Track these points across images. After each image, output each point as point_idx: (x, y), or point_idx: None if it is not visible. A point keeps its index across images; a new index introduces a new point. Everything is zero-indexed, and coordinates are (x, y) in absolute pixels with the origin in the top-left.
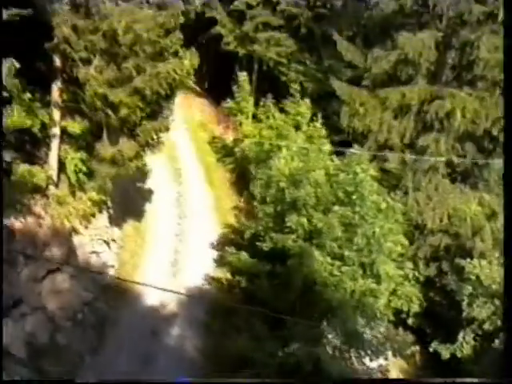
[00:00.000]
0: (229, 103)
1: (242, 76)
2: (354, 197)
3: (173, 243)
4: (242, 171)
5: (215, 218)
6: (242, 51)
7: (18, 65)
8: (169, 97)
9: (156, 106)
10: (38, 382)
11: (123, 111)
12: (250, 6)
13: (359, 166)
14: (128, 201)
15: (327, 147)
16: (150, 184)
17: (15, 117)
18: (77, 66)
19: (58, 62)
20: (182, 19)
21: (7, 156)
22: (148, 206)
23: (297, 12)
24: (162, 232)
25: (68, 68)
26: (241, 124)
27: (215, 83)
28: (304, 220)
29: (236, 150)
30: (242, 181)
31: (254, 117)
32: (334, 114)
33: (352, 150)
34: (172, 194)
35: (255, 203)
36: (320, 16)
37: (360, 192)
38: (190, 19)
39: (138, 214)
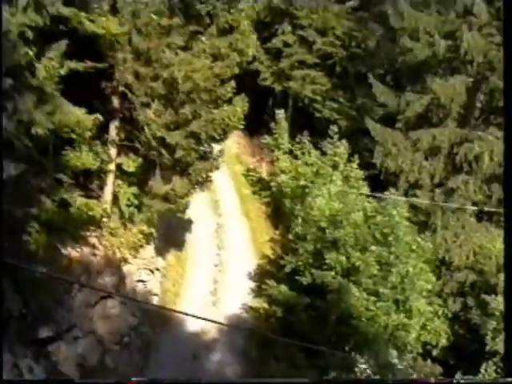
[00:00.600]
0: (266, 139)
1: (280, 113)
2: (389, 238)
3: (212, 273)
4: (277, 205)
5: (252, 249)
6: (278, 87)
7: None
8: (221, 139)
9: (208, 148)
10: (40, 382)
11: (179, 152)
12: (286, 44)
13: (395, 209)
14: (170, 231)
15: (365, 189)
16: (190, 215)
17: (83, 158)
18: (136, 108)
19: (116, 102)
20: (236, 70)
21: (66, 192)
22: (188, 237)
23: (332, 51)
24: (201, 262)
25: (125, 109)
26: (278, 159)
27: (249, 116)
28: (343, 258)
29: (272, 184)
30: (276, 214)
31: (291, 152)
32: (364, 150)
33: (388, 194)
34: (211, 224)
35: (291, 237)
36: (354, 55)
37: (395, 234)
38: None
39: (179, 244)
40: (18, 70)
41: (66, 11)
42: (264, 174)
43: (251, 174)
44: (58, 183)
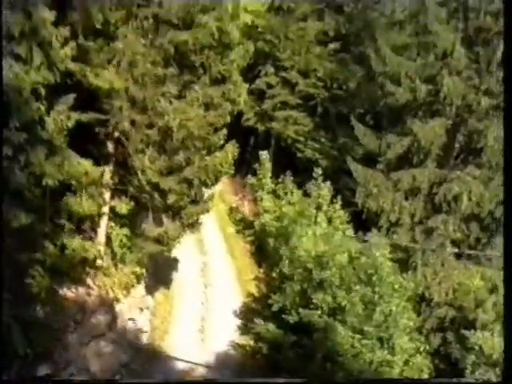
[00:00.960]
0: (251, 179)
1: (264, 154)
2: (373, 278)
3: (199, 311)
4: (261, 244)
5: (237, 287)
6: (261, 128)
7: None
8: (212, 184)
9: (200, 192)
10: (38, 382)
11: (172, 197)
12: (269, 86)
13: (378, 251)
14: (158, 270)
15: (349, 230)
16: (176, 253)
17: (84, 205)
18: (131, 154)
19: (110, 148)
20: (228, 119)
21: (67, 236)
22: (175, 275)
23: (314, 92)
24: (189, 300)
25: (120, 154)
26: (261, 199)
27: None
28: (329, 298)
29: (256, 223)
30: (260, 252)
31: (274, 192)
32: (345, 189)
33: (371, 235)
34: (197, 263)
35: (275, 275)
36: (335, 96)
37: (379, 274)
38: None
39: (167, 283)
40: (31, 125)
41: (74, 66)
42: (247, 213)
43: (234, 212)
44: (60, 228)
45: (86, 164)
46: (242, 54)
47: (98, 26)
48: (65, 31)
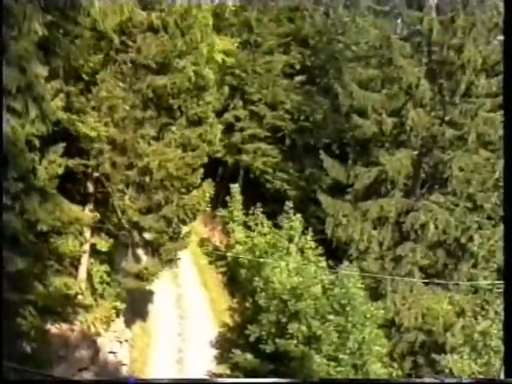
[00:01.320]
0: (221, 212)
1: (234, 187)
2: (347, 308)
3: (176, 342)
4: (233, 275)
5: (212, 318)
6: (230, 160)
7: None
8: (190, 221)
9: (178, 229)
10: (38, 382)
11: (151, 235)
12: (238, 119)
13: (351, 282)
14: (134, 303)
15: (322, 262)
16: (150, 286)
17: (70, 246)
18: (111, 194)
19: (91, 188)
20: (205, 159)
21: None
22: (151, 307)
23: (281, 125)
24: (166, 331)
25: (99, 193)
26: (233, 231)
27: None
28: (304, 328)
29: (227, 254)
30: (233, 283)
31: (245, 223)
32: (313, 218)
33: (343, 266)
34: (171, 295)
35: (248, 305)
36: (302, 128)
37: (352, 304)
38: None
39: (143, 315)
40: (26, 175)
41: (64, 116)
42: (218, 243)
43: (206, 244)
44: (48, 268)
45: (77, 210)
46: (218, 97)
47: (79, 71)
48: (56, 84)
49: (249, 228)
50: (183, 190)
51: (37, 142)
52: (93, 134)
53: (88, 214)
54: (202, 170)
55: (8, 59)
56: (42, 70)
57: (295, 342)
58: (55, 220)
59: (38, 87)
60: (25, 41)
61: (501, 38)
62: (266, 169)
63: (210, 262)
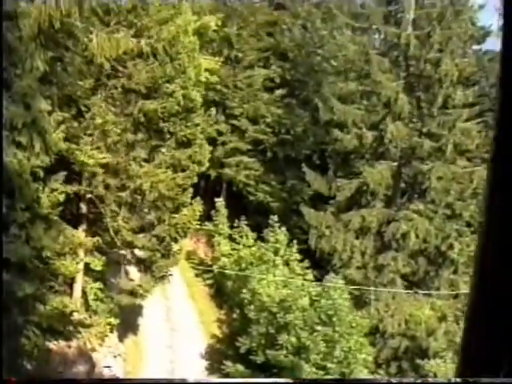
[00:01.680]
0: (206, 225)
1: (219, 201)
2: (333, 318)
3: (168, 354)
4: (220, 287)
5: (201, 329)
6: (213, 174)
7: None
8: (181, 239)
9: (169, 247)
10: (38, 382)
11: (144, 253)
12: (220, 133)
13: (336, 293)
14: (126, 317)
15: (310, 276)
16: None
17: (70, 267)
18: (105, 215)
19: (84, 209)
20: (195, 179)
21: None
22: (141, 321)
23: (263, 138)
24: (157, 344)
25: (92, 214)
26: (219, 244)
27: None
28: (293, 339)
29: (214, 267)
30: (220, 295)
31: (230, 236)
32: (295, 228)
33: (328, 278)
34: (161, 308)
35: (235, 316)
36: (284, 141)
37: (338, 315)
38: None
39: (135, 329)
40: (31, 204)
41: (63, 146)
42: (203, 256)
43: (192, 257)
44: (49, 289)
45: (80, 235)
46: (205, 119)
47: (72, 97)
48: (58, 116)
49: (234, 241)
50: (174, 209)
51: (41, 173)
52: (90, 161)
53: (90, 239)
54: (191, 190)
55: (13, 96)
56: (46, 106)
57: (285, 352)
58: (59, 246)
59: (42, 121)
60: (28, 78)
61: (476, 47)
62: (249, 182)
63: (197, 275)
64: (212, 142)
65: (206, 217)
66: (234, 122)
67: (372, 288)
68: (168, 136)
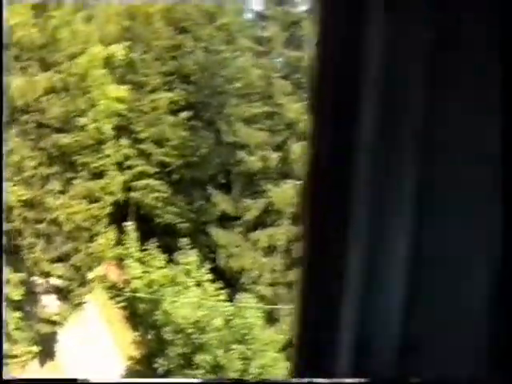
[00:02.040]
0: (118, 249)
1: (129, 225)
2: (247, 337)
3: (87, 377)
4: (133, 309)
5: (118, 351)
6: (121, 198)
7: None
8: (96, 267)
9: (85, 275)
10: (39, 382)
11: (62, 282)
12: (127, 158)
13: (249, 312)
14: (43, 342)
15: (223, 297)
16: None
17: None
18: (23, 249)
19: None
20: (109, 209)
21: None
22: (58, 346)
23: (169, 161)
24: (76, 368)
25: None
26: (130, 267)
27: None
28: (209, 358)
29: (126, 290)
30: (134, 317)
31: (139, 259)
32: (204, 247)
33: (241, 298)
34: (77, 333)
35: (150, 337)
36: (189, 163)
37: (252, 333)
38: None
39: (52, 355)
40: None
41: None
42: (115, 279)
43: (104, 280)
44: None
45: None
46: (117, 149)
47: None
48: None
49: (144, 263)
50: (89, 239)
51: None
52: (12, 198)
53: (16, 274)
54: (105, 220)
55: None
56: None
57: (202, 371)
58: None
59: None
60: None
61: None
62: (157, 204)
63: (110, 298)
64: (119, 166)
65: (117, 241)
66: (140, 145)
67: (280, 306)
68: (81, 168)
